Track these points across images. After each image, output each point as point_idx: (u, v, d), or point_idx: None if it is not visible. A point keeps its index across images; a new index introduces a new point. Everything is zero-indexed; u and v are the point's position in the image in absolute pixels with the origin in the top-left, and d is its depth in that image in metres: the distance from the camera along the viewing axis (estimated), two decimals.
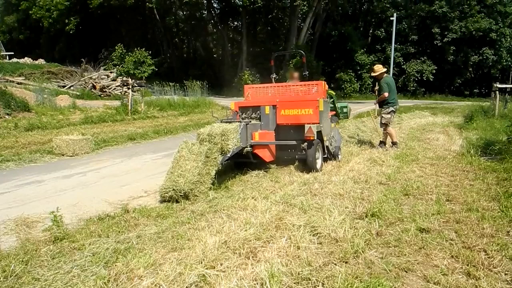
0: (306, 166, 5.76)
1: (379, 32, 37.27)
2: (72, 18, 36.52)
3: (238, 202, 4.12)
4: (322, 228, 3.31)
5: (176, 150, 4.97)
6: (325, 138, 6.13)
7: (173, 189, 4.43)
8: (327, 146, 6.25)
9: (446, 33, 35.18)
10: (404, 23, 36.24)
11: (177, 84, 20.76)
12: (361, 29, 39.61)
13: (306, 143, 5.68)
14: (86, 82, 22.86)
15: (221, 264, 2.68)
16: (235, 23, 40.77)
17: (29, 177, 5.92)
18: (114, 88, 21.61)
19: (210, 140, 4.99)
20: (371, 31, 39.27)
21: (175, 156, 4.87)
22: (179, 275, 2.51)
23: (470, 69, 38.74)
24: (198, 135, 5.15)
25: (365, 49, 35.23)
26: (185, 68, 36.90)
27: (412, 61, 36.53)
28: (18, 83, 20.37)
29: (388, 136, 8.01)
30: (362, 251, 2.94)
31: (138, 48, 16.49)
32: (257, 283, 2.44)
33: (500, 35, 35.41)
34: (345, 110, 12.53)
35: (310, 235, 3.24)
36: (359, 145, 8.22)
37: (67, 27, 36.38)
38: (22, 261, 2.85)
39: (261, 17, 38.36)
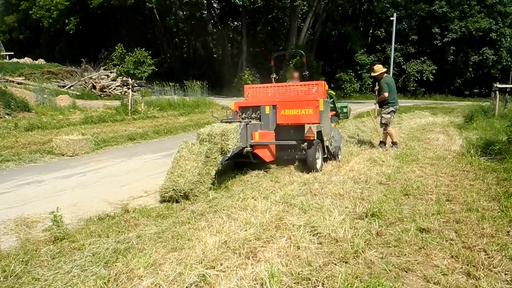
0: (306, 166, 5.76)
1: (379, 32, 37.27)
2: (72, 18, 36.52)
3: (238, 202, 4.12)
4: (322, 228, 3.31)
5: (176, 150, 4.97)
6: (325, 138, 6.13)
7: (173, 189, 4.43)
8: (327, 146, 6.25)
9: (446, 33, 35.18)
10: (404, 23, 36.23)
11: (177, 84, 20.76)
12: (361, 29, 39.61)
13: (306, 143, 5.68)
14: (86, 82, 22.87)
15: (221, 264, 2.68)
16: (235, 23, 40.78)
17: (29, 177, 5.92)
18: (114, 88, 21.61)
19: (210, 140, 4.99)
20: (371, 31, 39.27)
21: (175, 156, 4.87)
22: (179, 275, 2.51)
23: (470, 69, 38.77)
24: (198, 135, 5.15)
25: (365, 49, 35.23)
26: (185, 68, 36.91)
27: (412, 61, 36.54)
28: (18, 83, 20.38)
29: (388, 136, 8.01)
30: (362, 251, 2.94)
31: (138, 48, 16.48)
32: (257, 283, 2.44)
33: (500, 35, 35.41)
34: (345, 110, 12.52)
35: (310, 235, 3.24)
36: (359, 145, 8.22)
37: (67, 27, 36.39)
38: (22, 261, 2.85)
39: (261, 17, 38.35)
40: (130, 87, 14.86)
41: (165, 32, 40.46)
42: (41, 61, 33.03)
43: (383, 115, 7.82)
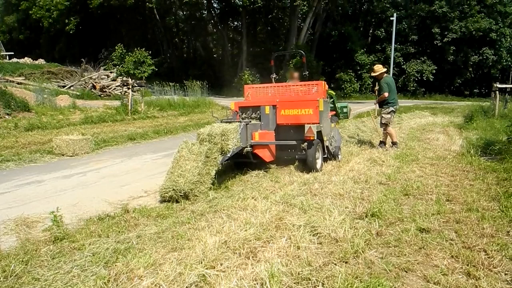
0: (306, 166, 5.76)
1: (379, 32, 37.27)
2: (72, 18, 36.53)
3: (238, 202, 4.12)
4: (322, 228, 3.31)
5: (176, 150, 4.97)
6: (325, 138, 6.13)
7: (173, 189, 4.43)
8: (327, 146, 6.25)
9: (446, 33, 35.18)
10: (404, 23, 36.24)
11: (177, 84, 20.75)
12: (361, 29, 39.61)
13: (306, 143, 5.68)
14: (86, 82, 22.88)
15: (221, 264, 2.68)
16: (235, 23, 40.78)
17: (29, 177, 5.92)
18: (114, 88, 21.62)
19: (210, 140, 4.99)
20: (371, 31, 39.27)
21: (175, 156, 4.87)
22: (179, 275, 2.51)
23: (470, 69, 38.73)
24: (198, 135, 5.15)
25: (365, 49, 35.23)
26: (185, 68, 36.90)
27: (412, 61, 36.54)
28: (18, 83, 20.39)
29: (388, 136, 8.02)
30: (362, 251, 2.94)
31: (138, 48, 16.44)
32: (257, 283, 2.44)
33: (500, 35, 35.42)
34: (345, 110, 12.49)
35: (310, 235, 3.24)
36: (359, 145, 8.23)
37: (67, 27, 36.41)
38: (22, 261, 2.85)
39: (261, 17, 38.35)
40: (130, 87, 14.85)
41: (165, 32, 40.47)
42: (41, 61, 33.04)
43: (383, 115, 7.82)
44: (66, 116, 13.20)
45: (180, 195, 4.44)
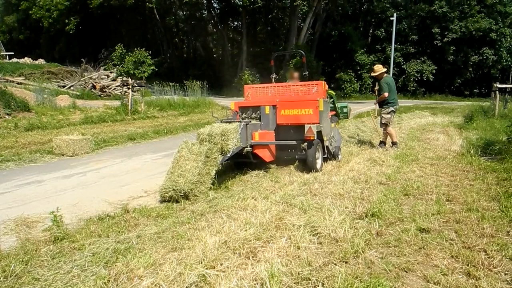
0: (306, 166, 5.76)
1: (379, 32, 37.27)
2: (72, 18, 36.54)
3: (238, 202, 4.12)
4: (322, 228, 3.31)
5: (176, 150, 4.97)
6: (325, 138, 6.13)
7: (173, 189, 4.44)
8: (327, 146, 6.25)
9: (446, 33, 35.18)
10: (404, 23, 36.24)
11: (177, 84, 20.76)
12: (361, 29, 39.61)
13: (306, 143, 5.68)
14: (86, 82, 22.88)
15: (221, 264, 2.68)
16: (235, 23, 40.79)
17: (29, 177, 5.92)
18: (114, 88, 21.62)
19: (210, 140, 4.99)
20: (371, 31, 39.27)
21: (175, 156, 4.87)
22: (179, 275, 2.51)
23: (470, 69, 38.72)
24: (198, 135, 5.15)
25: (365, 49, 35.23)
26: (185, 68, 36.90)
27: (412, 61, 36.54)
28: (18, 83, 20.39)
29: (388, 136, 8.02)
30: (362, 251, 2.94)
31: (138, 48, 16.45)
32: (257, 283, 2.44)
33: (500, 35, 35.42)
34: (345, 110, 12.49)
35: (310, 235, 3.24)
36: (359, 145, 8.23)
37: (67, 27, 36.42)
38: (22, 261, 2.85)
39: (261, 17, 38.35)
40: (130, 87, 14.85)
41: (165, 32, 40.47)
42: (41, 61, 33.04)
43: (383, 115, 7.82)
44: (66, 116, 13.20)
45: (180, 195, 4.44)
